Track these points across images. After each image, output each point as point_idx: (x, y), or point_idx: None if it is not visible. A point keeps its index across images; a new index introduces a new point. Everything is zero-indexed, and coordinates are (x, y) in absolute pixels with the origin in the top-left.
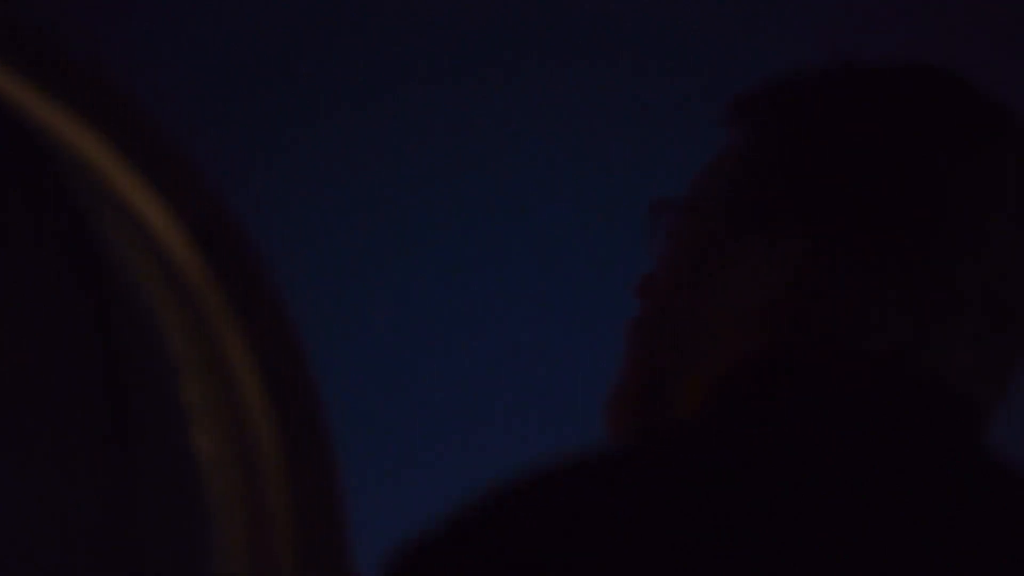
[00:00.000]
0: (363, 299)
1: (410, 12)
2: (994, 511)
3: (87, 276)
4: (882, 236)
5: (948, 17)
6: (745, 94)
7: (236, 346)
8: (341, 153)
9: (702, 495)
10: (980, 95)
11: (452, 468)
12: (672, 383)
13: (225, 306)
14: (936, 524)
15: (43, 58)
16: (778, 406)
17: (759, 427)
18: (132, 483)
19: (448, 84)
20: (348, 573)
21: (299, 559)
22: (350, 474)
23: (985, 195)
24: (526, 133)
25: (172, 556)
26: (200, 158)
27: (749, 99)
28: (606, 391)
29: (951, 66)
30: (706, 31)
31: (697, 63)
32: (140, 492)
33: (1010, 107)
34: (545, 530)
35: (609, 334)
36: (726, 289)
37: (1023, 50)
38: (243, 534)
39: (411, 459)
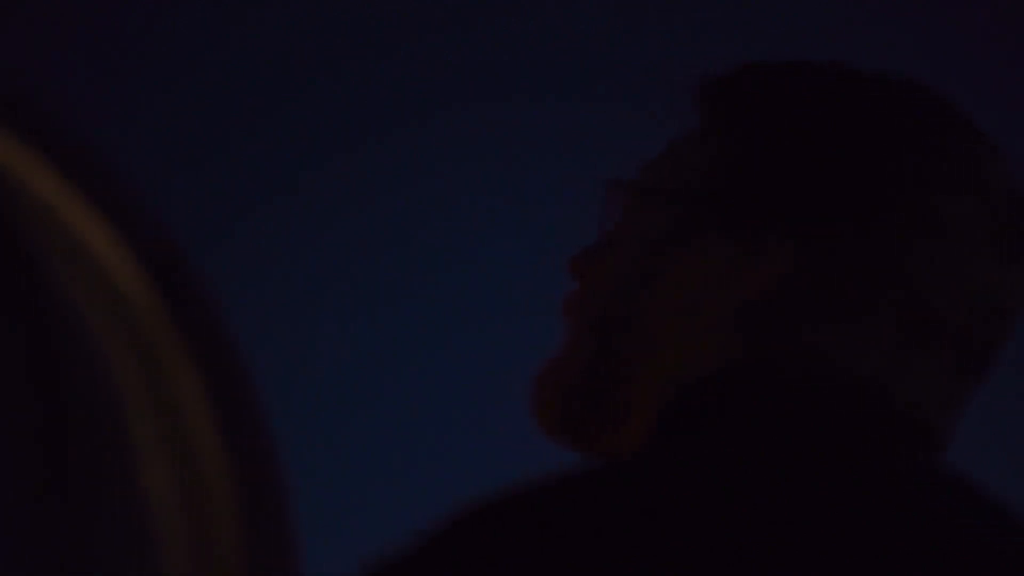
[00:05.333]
0: (317, 336)
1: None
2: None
3: (29, 308)
4: (875, 253)
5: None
6: (715, 77)
7: (187, 384)
8: (298, 193)
9: (684, 521)
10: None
11: (407, 507)
12: (628, 375)
13: (176, 342)
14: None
15: None
16: (764, 422)
17: (746, 447)
18: (76, 525)
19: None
20: None
21: None
22: (304, 513)
23: (973, 226)
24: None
25: None
26: (152, 193)
27: (721, 83)
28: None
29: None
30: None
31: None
32: (86, 534)
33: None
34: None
35: None
36: (692, 285)
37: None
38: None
39: (366, 498)
